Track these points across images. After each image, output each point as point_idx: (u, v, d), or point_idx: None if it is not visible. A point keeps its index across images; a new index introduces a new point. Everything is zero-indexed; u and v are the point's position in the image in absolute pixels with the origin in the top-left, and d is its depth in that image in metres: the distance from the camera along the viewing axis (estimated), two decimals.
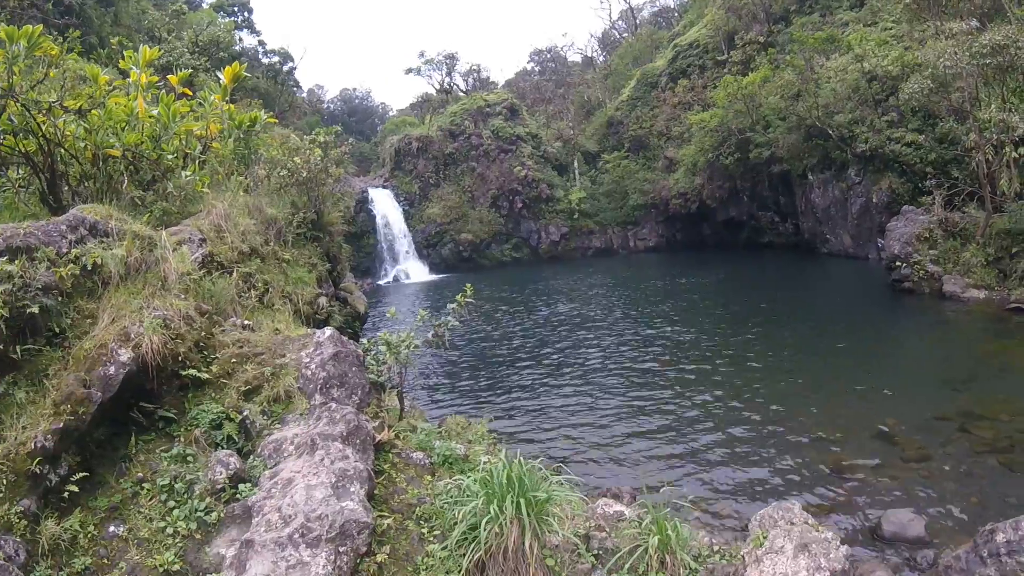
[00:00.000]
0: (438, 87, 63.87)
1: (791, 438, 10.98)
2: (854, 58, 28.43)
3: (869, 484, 9.17)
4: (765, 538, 5.31)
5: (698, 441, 11.23)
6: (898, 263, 21.48)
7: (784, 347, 16.76)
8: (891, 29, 30.53)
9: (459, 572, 4.97)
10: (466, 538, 5.16)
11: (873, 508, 8.48)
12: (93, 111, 7.44)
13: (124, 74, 8.57)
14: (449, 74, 63.76)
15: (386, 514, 5.43)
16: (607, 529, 5.89)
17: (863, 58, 27.72)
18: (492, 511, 5.11)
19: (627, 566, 5.24)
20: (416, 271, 41.90)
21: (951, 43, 20.33)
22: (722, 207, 39.60)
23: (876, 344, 16.60)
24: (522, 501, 5.16)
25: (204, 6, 46.19)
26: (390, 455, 6.31)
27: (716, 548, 5.69)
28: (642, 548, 5.28)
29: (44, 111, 6.92)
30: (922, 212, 22.60)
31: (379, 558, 4.87)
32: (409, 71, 66.07)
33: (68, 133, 7.23)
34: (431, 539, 5.35)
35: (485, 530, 5.03)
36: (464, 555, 5.03)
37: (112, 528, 4.89)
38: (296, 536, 4.65)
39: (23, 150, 7.08)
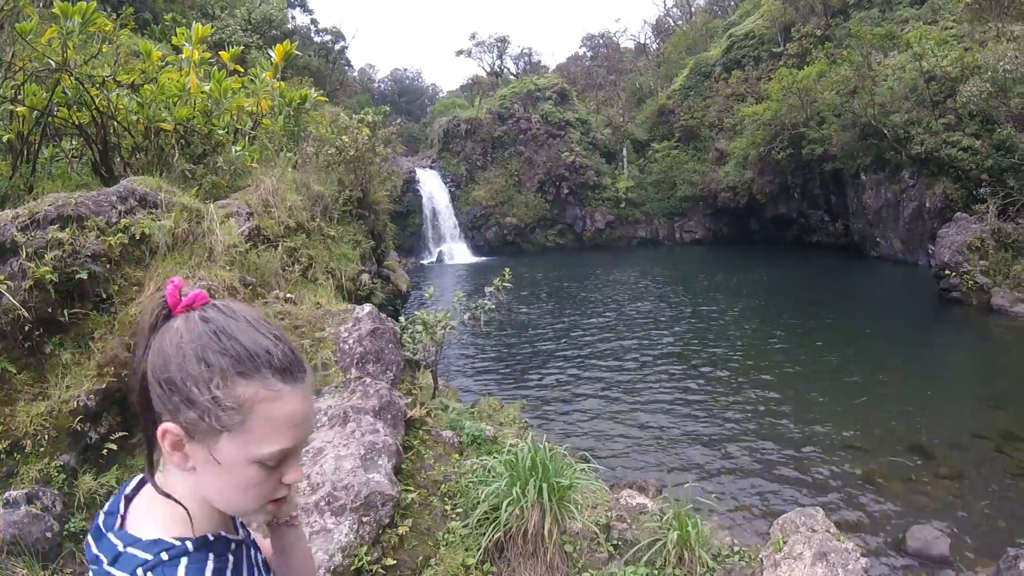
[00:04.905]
0: (488, 69, 63.75)
1: (823, 445, 10.82)
2: (913, 56, 27.42)
3: (898, 497, 9.00)
4: (785, 543, 5.27)
5: (728, 442, 11.14)
6: (947, 272, 20.68)
7: (823, 352, 16.48)
8: (952, 28, 29.49)
9: (478, 550, 5.06)
10: (487, 518, 5.24)
11: (899, 522, 8.32)
12: (146, 86, 7.65)
13: (177, 50, 8.77)
14: (500, 57, 63.56)
15: (411, 489, 5.55)
16: (628, 520, 5.92)
17: (922, 57, 26.75)
18: (515, 493, 5.18)
19: (645, 559, 5.26)
20: (460, 253, 42.12)
21: (1012, 46, 19.60)
22: (771, 203, 38.83)
23: (918, 354, 16.21)
24: (544, 486, 5.21)
25: None
26: (420, 432, 6.43)
27: (736, 549, 5.67)
28: (661, 542, 5.30)
29: (97, 85, 7.14)
30: (975, 220, 21.66)
31: (401, 530, 4.99)
32: (460, 53, 65.67)
33: (121, 107, 7.44)
34: (454, 516, 5.46)
35: (506, 511, 5.11)
36: (484, 534, 5.12)
37: None
38: (322, 504, 4.79)
39: (76, 122, 7.32)
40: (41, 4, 7.61)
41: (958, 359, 16.18)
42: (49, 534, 4.49)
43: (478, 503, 5.35)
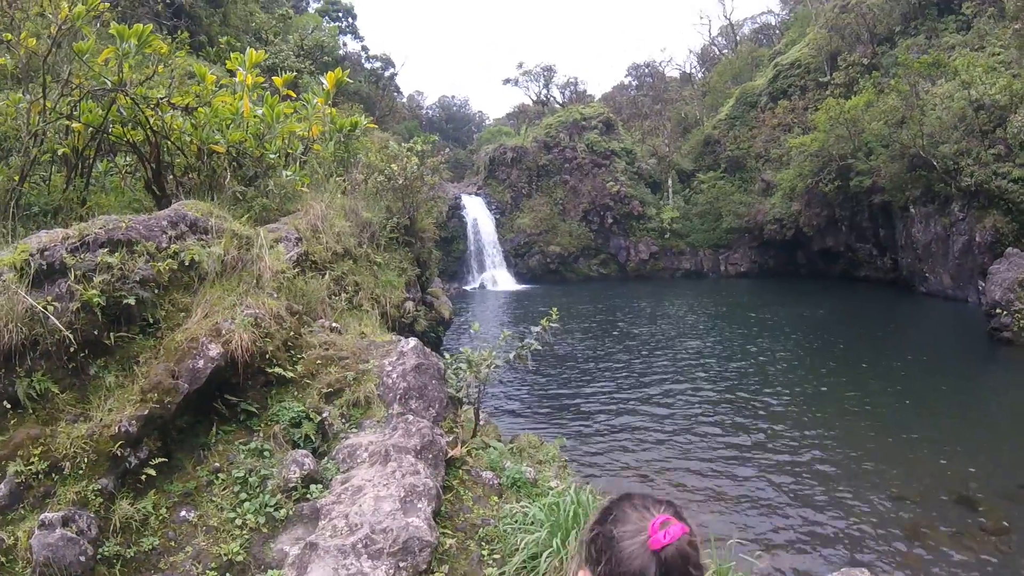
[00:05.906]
0: (535, 98, 64.16)
1: (868, 494, 10.44)
2: (960, 84, 26.75)
3: (943, 553, 8.63)
4: None
5: (771, 490, 10.80)
6: (998, 310, 19.91)
7: (869, 394, 15.95)
8: (999, 55, 28.73)
9: None
10: (525, 567, 5.04)
11: None
12: (200, 108, 7.75)
13: (231, 74, 8.90)
14: (546, 86, 63.95)
15: (449, 532, 5.38)
16: None
17: (970, 85, 26.06)
18: (555, 544, 4.97)
19: None
20: (503, 279, 42.16)
21: None
22: (818, 236, 38.14)
23: (967, 397, 15.61)
24: None
25: (310, 11, 47.97)
26: (460, 472, 6.26)
27: None
28: None
29: (152, 105, 7.25)
30: None
31: None
32: (507, 81, 66.38)
33: (175, 127, 7.56)
34: (490, 562, 5.26)
35: (545, 562, 4.91)
36: None
37: (183, 513, 5.02)
38: (359, 546, 4.65)
39: (130, 140, 7.44)
40: (99, 25, 7.77)
41: (1008, 403, 15.50)
42: (83, 558, 4.42)
43: (516, 551, 5.14)
